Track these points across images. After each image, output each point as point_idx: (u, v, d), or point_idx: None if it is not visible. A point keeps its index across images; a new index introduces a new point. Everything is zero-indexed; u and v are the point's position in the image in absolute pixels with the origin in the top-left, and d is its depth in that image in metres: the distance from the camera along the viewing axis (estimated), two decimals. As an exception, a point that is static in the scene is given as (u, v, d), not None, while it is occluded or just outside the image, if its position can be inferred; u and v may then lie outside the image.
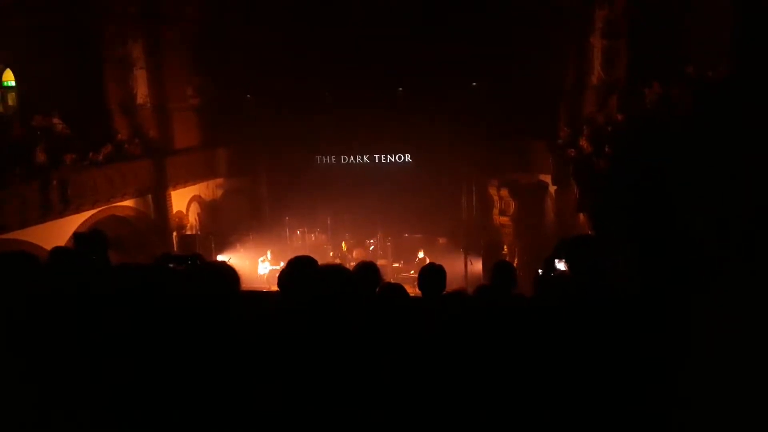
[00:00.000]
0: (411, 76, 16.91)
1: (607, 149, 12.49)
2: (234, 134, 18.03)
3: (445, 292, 3.96)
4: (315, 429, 1.29)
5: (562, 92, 15.82)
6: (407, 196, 16.70)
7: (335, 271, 2.28)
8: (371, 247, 16.97)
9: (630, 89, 13.84)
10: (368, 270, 3.60)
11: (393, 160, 18.07)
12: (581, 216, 12.98)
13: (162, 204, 16.62)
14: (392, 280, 9.56)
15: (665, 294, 2.17)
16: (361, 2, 16.84)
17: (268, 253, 16.04)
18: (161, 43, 16.69)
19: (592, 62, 14.90)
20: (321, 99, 17.61)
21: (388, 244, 16.43)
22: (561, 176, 14.71)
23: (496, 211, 16.45)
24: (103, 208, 14.82)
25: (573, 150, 14.05)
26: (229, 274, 1.79)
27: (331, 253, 16.52)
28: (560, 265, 4.44)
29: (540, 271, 5.17)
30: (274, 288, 4.39)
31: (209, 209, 18.55)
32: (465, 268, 14.54)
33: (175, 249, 16.26)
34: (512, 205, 16.03)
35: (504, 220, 16.22)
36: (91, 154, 14.60)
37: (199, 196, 18.31)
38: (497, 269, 4.46)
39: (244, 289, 1.92)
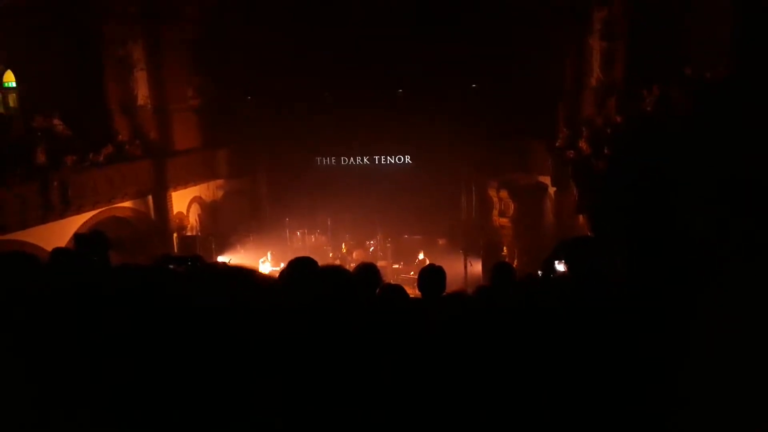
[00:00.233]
0: (411, 76, 16.93)
1: (606, 151, 12.50)
2: (234, 135, 18.04)
3: (444, 293, 3.97)
4: (315, 429, 1.30)
5: (561, 94, 15.83)
6: (407, 197, 16.72)
7: (335, 272, 2.28)
8: (371, 249, 16.98)
9: (629, 91, 13.85)
10: (368, 271, 3.61)
11: (393, 161, 18.09)
12: (580, 217, 12.99)
13: (162, 205, 16.63)
14: (392, 282, 9.57)
15: (664, 294, 2.18)
16: (361, 2, 16.85)
17: (269, 254, 16.06)
18: (161, 44, 16.69)
19: (590, 64, 14.91)
20: (321, 100, 17.64)
21: (388, 245, 16.45)
22: (560, 177, 14.72)
23: (495, 212, 16.47)
24: (103, 209, 14.83)
25: (572, 151, 14.07)
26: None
27: (330, 254, 16.54)
28: (559, 267, 4.45)
29: (540, 272, 5.17)
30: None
31: (209, 210, 18.56)
32: (465, 269, 14.55)
33: (176, 250, 16.27)
34: (512, 206, 16.04)
35: (503, 221, 16.24)
36: (91, 155, 14.62)
37: (200, 197, 18.31)
38: (497, 270, 4.48)
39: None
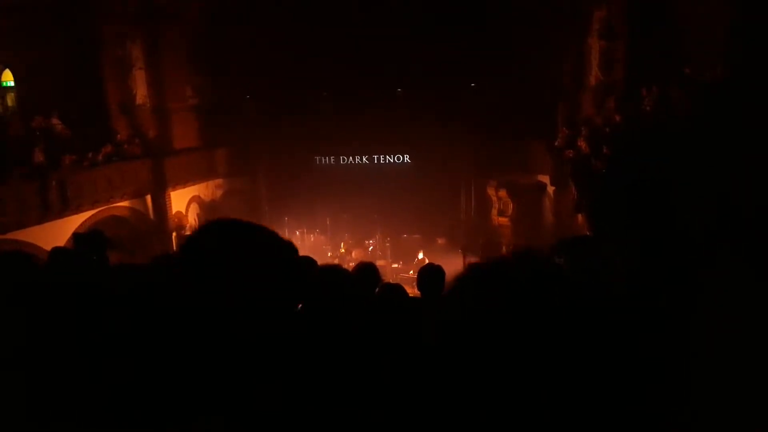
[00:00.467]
0: (410, 76, 16.92)
1: (605, 150, 12.50)
2: (233, 134, 18.04)
3: (444, 293, 3.96)
4: (316, 429, 1.29)
5: (560, 93, 15.84)
6: (406, 197, 16.72)
7: (333, 272, 2.28)
8: (370, 248, 16.98)
9: (628, 90, 13.85)
10: (367, 270, 3.61)
11: (392, 160, 18.09)
12: (579, 216, 12.99)
13: (161, 204, 16.62)
14: (391, 281, 9.56)
15: (664, 294, 2.17)
16: (361, 3, 16.84)
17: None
18: (160, 43, 16.69)
19: (590, 63, 14.92)
20: (320, 99, 17.63)
21: (387, 244, 16.45)
22: (559, 177, 14.72)
23: (494, 211, 16.47)
24: (102, 208, 14.82)
25: (571, 151, 14.07)
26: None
27: (329, 254, 16.53)
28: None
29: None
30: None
31: (208, 210, 18.56)
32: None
33: (175, 249, 16.26)
34: (511, 205, 16.05)
35: (502, 220, 16.24)
36: (90, 154, 14.60)
37: (199, 197, 18.31)
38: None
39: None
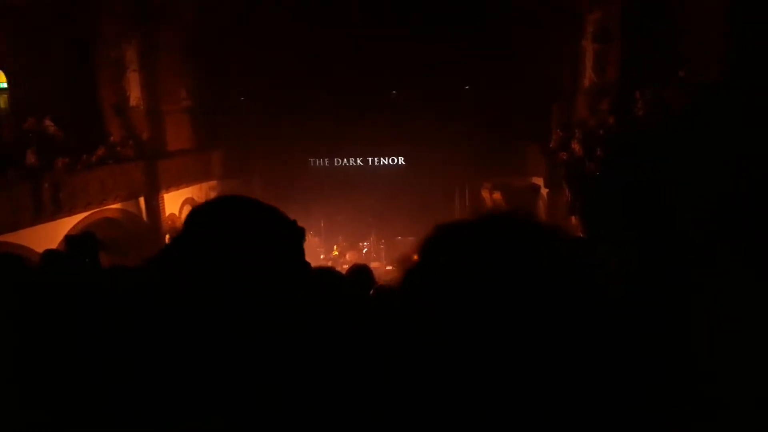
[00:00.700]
0: (404, 78, 16.95)
1: (598, 152, 12.55)
2: (227, 136, 18.00)
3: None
4: (315, 429, 1.29)
5: (555, 95, 15.89)
6: (400, 199, 16.73)
7: (326, 274, 2.28)
8: (364, 250, 16.97)
9: (622, 93, 13.91)
10: (361, 273, 3.61)
11: (386, 162, 18.10)
12: (573, 218, 13.02)
13: (154, 206, 16.56)
14: (385, 283, 9.51)
15: (661, 295, 2.18)
16: (356, 5, 16.86)
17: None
18: (155, 45, 16.65)
19: (584, 66, 14.98)
20: (314, 101, 17.63)
21: (382, 246, 16.44)
22: (553, 179, 14.76)
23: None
24: (95, 210, 14.75)
25: (565, 153, 14.11)
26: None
27: (321, 257, 16.50)
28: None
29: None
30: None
31: (202, 212, 18.46)
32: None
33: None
34: (505, 207, 16.06)
35: (497, 222, 16.23)
36: (84, 156, 14.54)
37: (192, 199, 18.24)
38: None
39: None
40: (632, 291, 2.30)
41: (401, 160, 17.97)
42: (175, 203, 17.36)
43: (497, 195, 16.19)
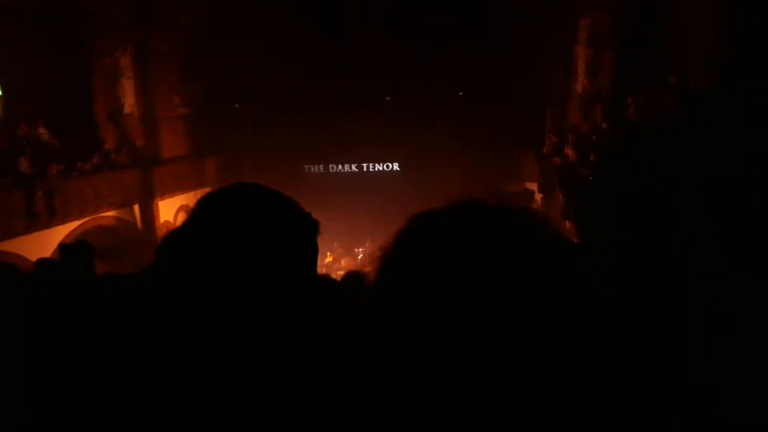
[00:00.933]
0: (399, 85, 16.99)
1: (591, 158, 12.60)
2: (222, 143, 17.99)
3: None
4: (315, 430, 1.29)
5: (548, 101, 15.96)
6: (396, 204, 16.71)
7: (320, 282, 2.29)
8: (360, 256, 16.96)
9: (615, 98, 13.99)
10: (355, 279, 3.63)
11: (381, 168, 18.12)
12: (567, 223, 13.05)
13: (149, 214, 16.52)
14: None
15: (654, 296, 2.20)
16: (351, 13, 16.91)
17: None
18: (149, 52, 16.65)
19: (577, 71, 15.06)
20: (309, 107, 17.65)
21: (377, 252, 16.41)
22: (547, 184, 14.81)
23: (483, 218, 16.47)
24: (89, 218, 14.71)
25: (558, 158, 14.16)
26: None
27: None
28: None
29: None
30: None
31: (197, 218, 18.41)
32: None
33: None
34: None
35: (491, 227, 16.24)
36: (78, 163, 14.51)
37: (187, 206, 18.19)
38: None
39: None
40: (627, 291, 2.32)
41: (396, 166, 17.99)
42: (170, 210, 17.32)
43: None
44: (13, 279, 3.30)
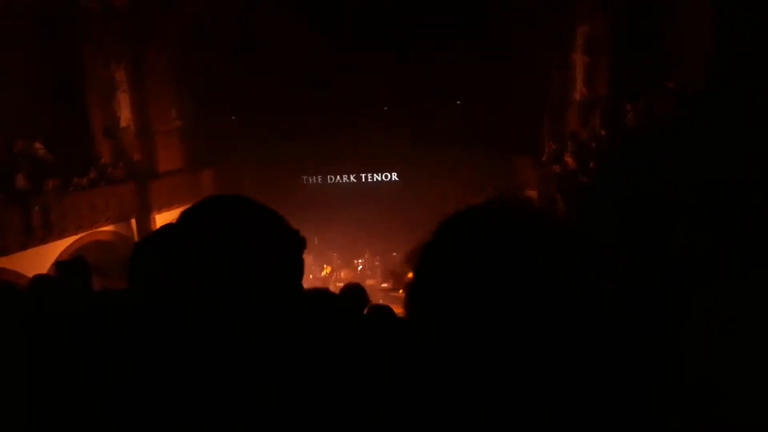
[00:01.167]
0: (397, 95, 17.02)
1: (591, 164, 12.59)
2: (219, 155, 17.98)
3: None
4: (315, 430, 1.26)
5: (546, 109, 15.99)
6: (395, 215, 16.72)
7: (317, 296, 2.24)
8: (359, 267, 16.90)
9: (613, 105, 14.01)
10: (354, 292, 3.57)
11: (380, 179, 18.11)
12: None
13: (146, 228, 16.44)
14: (381, 301, 9.47)
15: (655, 297, 2.17)
16: (347, 24, 16.95)
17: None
18: (145, 66, 16.66)
19: (574, 78, 15.09)
20: (307, 118, 17.66)
21: (377, 263, 16.38)
22: (546, 192, 14.80)
23: (483, 227, 16.46)
24: (86, 233, 14.64)
25: (557, 166, 14.16)
26: None
27: (311, 276, 16.35)
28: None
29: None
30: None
31: (194, 232, 18.38)
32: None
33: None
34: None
35: (491, 236, 16.23)
36: (74, 178, 14.46)
37: (185, 219, 18.16)
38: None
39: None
40: (628, 293, 2.28)
41: (395, 177, 17.99)
42: (167, 224, 17.26)
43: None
44: (10, 296, 3.25)
